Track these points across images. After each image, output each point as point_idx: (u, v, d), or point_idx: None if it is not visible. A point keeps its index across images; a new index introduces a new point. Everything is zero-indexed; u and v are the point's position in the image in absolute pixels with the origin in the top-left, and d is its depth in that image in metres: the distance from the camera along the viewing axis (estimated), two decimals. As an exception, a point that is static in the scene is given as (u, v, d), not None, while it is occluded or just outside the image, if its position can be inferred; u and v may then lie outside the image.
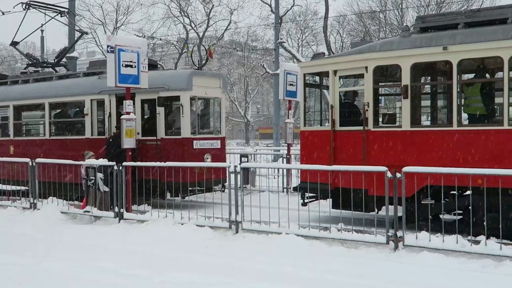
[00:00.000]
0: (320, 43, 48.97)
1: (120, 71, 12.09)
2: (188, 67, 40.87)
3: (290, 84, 17.11)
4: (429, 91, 14.41)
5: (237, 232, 10.40)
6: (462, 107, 10.82)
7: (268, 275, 7.47)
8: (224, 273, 7.57)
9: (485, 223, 9.13)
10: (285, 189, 16.16)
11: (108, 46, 12.33)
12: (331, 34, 41.80)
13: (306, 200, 11.92)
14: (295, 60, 32.30)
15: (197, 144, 14.69)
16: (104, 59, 16.77)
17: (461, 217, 10.07)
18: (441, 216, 10.02)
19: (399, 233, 8.95)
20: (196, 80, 14.85)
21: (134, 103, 13.83)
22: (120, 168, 11.87)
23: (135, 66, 12.36)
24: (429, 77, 13.82)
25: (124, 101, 12.92)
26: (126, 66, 12.20)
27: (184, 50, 41.07)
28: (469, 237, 8.69)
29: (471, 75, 12.34)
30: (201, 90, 15.09)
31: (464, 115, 11.14)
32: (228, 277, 7.34)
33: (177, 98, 14.67)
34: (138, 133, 14.18)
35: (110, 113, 15.32)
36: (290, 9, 41.41)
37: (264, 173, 17.78)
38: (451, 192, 9.79)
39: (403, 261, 8.23)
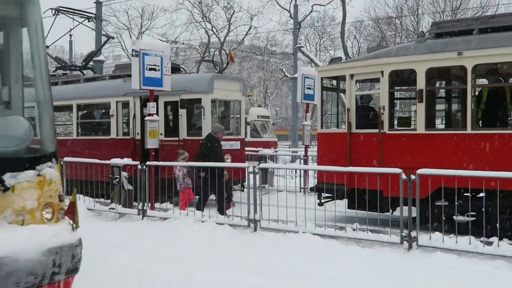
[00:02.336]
0: (337, 47, 48.84)
1: (144, 74, 12.14)
2: (210, 70, 40.96)
3: (308, 88, 17.07)
4: (444, 95, 14.28)
5: (255, 230, 10.39)
6: (476, 111, 10.71)
7: (285, 272, 7.44)
8: (242, 270, 7.56)
9: (497, 224, 9.01)
10: (302, 189, 16.11)
11: (133, 50, 12.40)
12: (348, 39, 41.60)
13: (322, 200, 11.90)
14: (313, 64, 32.22)
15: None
16: (129, 62, 16.86)
17: (474, 218, 9.95)
18: (454, 217, 9.91)
19: (413, 234, 8.88)
20: (217, 83, 14.89)
21: (157, 105, 13.89)
22: (144, 167, 11.94)
23: (159, 70, 12.41)
24: (443, 82, 13.71)
25: (147, 103, 12.98)
26: (150, 69, 12.25)
27: (206, 54, 41.22)
28: (482, 238, 8.58)
29: (485, 80, 12.23)
30: (222, 93, 15.13)
31: (478, 119, 11.02)
32: (245, 274, 7.33)
33: (198, 101, 14.72)
34: (161, 134, 14.25)
35: (134, 114, 15.42)
36: (309, 15, 41.49)
37: (282, 174, 17.75)
38: (465, 194, 9.69)
39: (417, 261, 8.15)
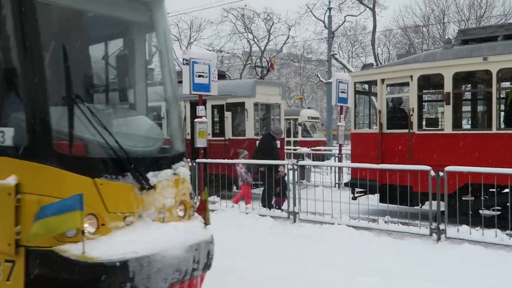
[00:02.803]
0: (368, 54, 48.12)
1: (194, 81, 12.25)
2: (252, 77, 41.05)
3: (342, 92, 16.89)
4: (469, 98, 13.92)
5: (294, 221, 10.34)
6: (501, 112, 10.41)
7: (323, 261, 7.36)
8: (283, 258, 7.52)
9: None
10: (337, 185, 15.94)
11: (183, 59, 12.51)
12: (378, 47, 41.06)
13: (356, 195, 11.75)
14: (345, 70, 31.92)
15: (261, 144, 14.71)
16: (180, 70, 17.05)
17: (499, 212, 9.64)
18: (480, 211, 9.63)
19: (442, 226, 8.67)
20: (259, 88, 14.90)
21: (205, 108, 13.97)
22: (194, 164, 12.01)
23: (207, 76, 12.48)
24: (469, 85, 13.36)
25: (197, 106, 13.08)
26: (199, 76, 12.35)
27: (248, 62, 41.30)
28: (508, 231, 8.31)
29: (509, 83, 11.87)
30: (263, 97, 15.13)
31: (502, 119, 10.72)
32: (286, 262, 7.28)
33: (242, 104, 14.75)
34: (209, 134, 14.34)
35: (185, 116, 15.55)
36: (341, 24, 41.16)
37: (318, 170, 17.62)
38: (490, 189, 9.40)
39: (446, 251, 7.94)
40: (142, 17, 4.96)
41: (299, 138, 26.39)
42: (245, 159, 12.58)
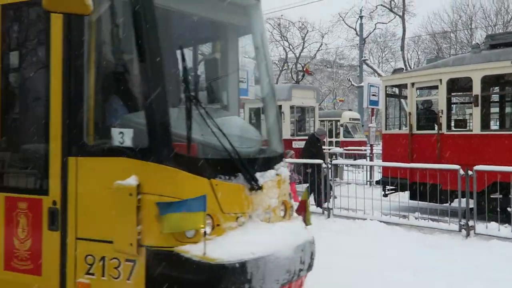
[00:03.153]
0: (397, 59, 47.26)
1: (235, 86, 12.28)
2: (287, 81, 40.95)
3: (373, 95, 16.64)
4: (497, 100, 13.49)
5: (329, 217, 10.24)
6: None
7: (356, 254, 7.25)
8: (317, 251, 7.42)
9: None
10: (368, 182, 15.71)
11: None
12: (407, 52, 40.30)
13: (387, 192, 11.55)
14: (376, 74, 31.44)
15: (295, 144, 14.67)
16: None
17: (527, 210, 9.31)
18: (508, 209, 9.32)
19: (471, 223, 8.42)
20: (295, 92, 14.87)
21: (244, 111, 14.02)
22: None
23: (245, 81, 12.49)
24: (497, 88, 12.96)
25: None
26: (239, 81, 12.38)
27: (284, 68, 41.21)
28: (536, 228, 8.01)
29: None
30: (298, 100, 15.09)
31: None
32: (320, 255, 7.19)
33: (279, 107, 14.70)
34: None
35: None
36: (372, 32, 40.57)
37: (351, 169, 17.40)
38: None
39: (475, 247, 7.70)
40: (243, 19, 4.77)
41: (341, 138, 26.06)
42: (291, 158, 12.49)
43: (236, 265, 3.39)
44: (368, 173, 16.24)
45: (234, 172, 3.80)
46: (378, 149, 18.41)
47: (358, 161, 17.73)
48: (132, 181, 3.48)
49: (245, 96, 12.67)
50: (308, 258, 4.16)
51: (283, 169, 4.39)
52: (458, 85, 12.17)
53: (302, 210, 4.61)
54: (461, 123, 14.03)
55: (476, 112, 10.38)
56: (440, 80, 10.91)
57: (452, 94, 12.52)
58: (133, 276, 3.50)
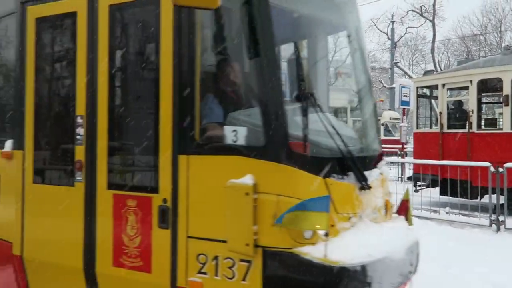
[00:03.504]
0: (427, 62, 46.03)
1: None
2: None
3: (404, 95, 16.25)
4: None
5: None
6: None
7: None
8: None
9: None
10: (400, 178, 15.41)
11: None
12: (437, 55, 39.24)
13: (418, 188, 11.32)
14: (406, 76, 30.79)
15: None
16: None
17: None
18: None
19: (501, 218, 8.15)
20: (332, 94, 14.71)
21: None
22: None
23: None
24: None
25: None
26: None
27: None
28: None
29: None
30: (333, 102, 14.93)
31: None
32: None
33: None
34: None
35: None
36: (403, 36, 39.73)
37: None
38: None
39: (506, 241, 7.45)
40: (343, 17, 4.40)
41: (381, 137, 25.52)
42: None
43: (358, 268, 3.06)
44: (399, 169, 15.93)
45: (346, 171, 3.47)
46: (408, 147, 18.03)
47: (391, 158, 17.42)
48: (248, 180, 3.18)
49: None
50: (415, 260, 3.79)
51: (385, 168, 4.06)
52: (488, 86, 11.82)
53: (403, 210, 4.19)
54: (491, 122, 13.61)
55: (507, 111, 10.08)
56: (471, 81, 10.62)
57: (482, 94, 12.16)
58: (249, 276, 3.23)
